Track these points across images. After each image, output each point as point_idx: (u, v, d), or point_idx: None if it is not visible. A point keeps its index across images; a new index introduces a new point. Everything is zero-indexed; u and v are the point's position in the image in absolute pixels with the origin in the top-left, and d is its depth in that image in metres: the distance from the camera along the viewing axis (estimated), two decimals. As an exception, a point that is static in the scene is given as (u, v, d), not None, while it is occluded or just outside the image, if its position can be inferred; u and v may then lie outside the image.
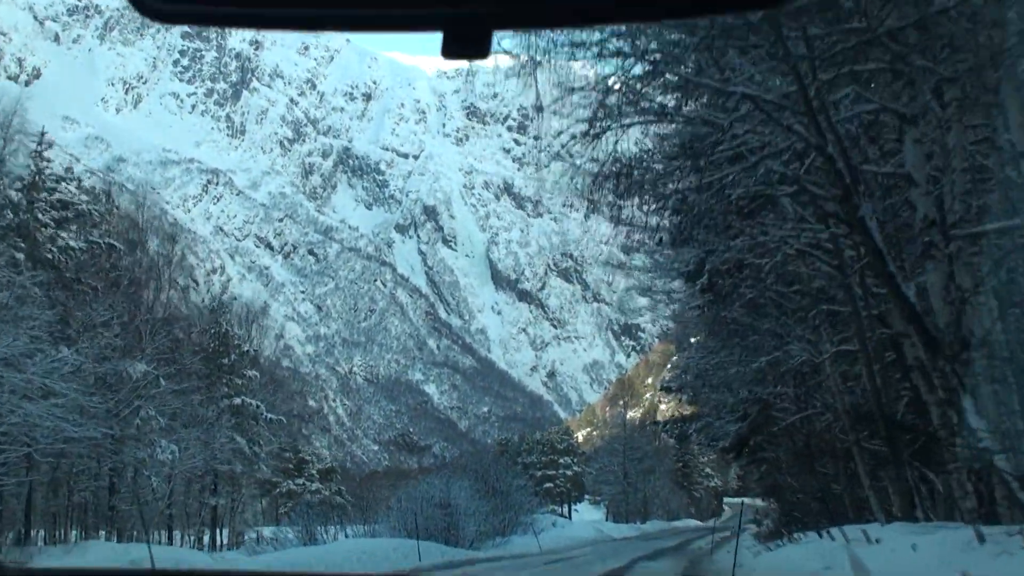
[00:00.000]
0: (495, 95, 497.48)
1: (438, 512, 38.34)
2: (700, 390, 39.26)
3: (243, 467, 46.14)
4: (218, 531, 48.19)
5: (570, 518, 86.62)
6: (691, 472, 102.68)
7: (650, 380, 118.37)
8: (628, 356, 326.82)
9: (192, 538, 47.27)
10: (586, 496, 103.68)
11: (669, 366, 59.83)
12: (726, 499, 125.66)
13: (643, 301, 46.92)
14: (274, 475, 67.77)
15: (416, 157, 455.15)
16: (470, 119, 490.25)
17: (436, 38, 1.39)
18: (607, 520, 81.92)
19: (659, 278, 32.09)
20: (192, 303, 66.77)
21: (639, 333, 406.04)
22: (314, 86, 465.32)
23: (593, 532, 56.25)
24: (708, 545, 40.82)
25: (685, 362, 44.14)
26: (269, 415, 48.21)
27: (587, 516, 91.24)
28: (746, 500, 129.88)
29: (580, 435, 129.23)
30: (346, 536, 40.11)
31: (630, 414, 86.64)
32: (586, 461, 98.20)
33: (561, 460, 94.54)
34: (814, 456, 27.30)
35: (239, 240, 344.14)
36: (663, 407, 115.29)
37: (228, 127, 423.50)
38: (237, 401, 45.12)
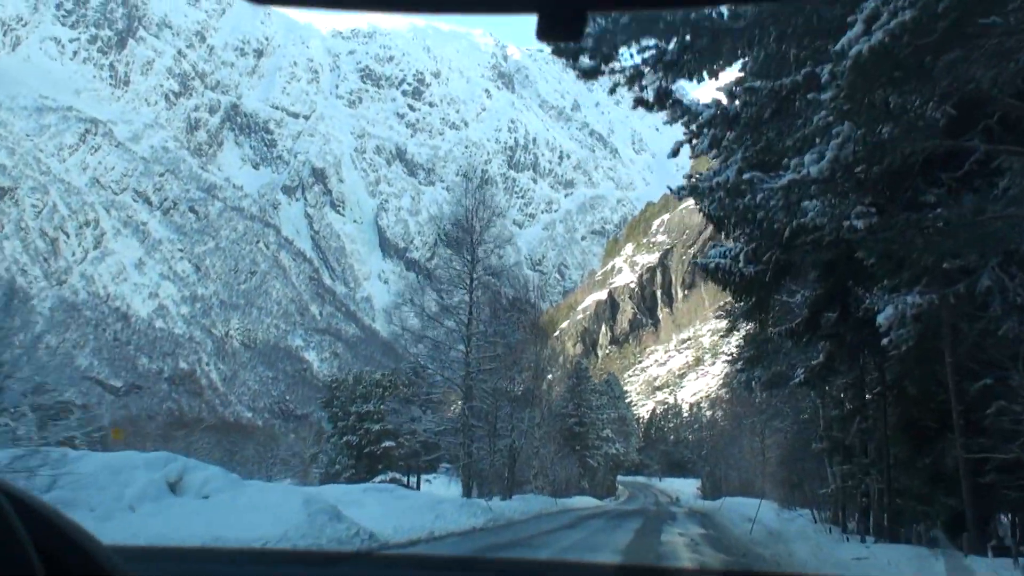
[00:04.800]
0: (391, 58, 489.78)
1: None
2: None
3: None
4: None
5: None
6: (587, 432, 79.32)
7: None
8: (515, 331, 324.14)
9: None
10: (443, 465, 67.81)
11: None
12: (620, 477, 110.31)
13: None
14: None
15: (307, 118, 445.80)
16: (364, 82, 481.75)
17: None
18: (462, 495, 42.57)
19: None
20: None
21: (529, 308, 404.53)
22: (204, 39, 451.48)
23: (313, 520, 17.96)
24: None
25: None
26: None
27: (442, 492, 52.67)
28: (643, 479, 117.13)
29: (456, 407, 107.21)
30: None
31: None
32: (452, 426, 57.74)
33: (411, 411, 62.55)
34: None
35: (116, 194, 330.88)
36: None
37: (111, 76, 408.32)
38: None
